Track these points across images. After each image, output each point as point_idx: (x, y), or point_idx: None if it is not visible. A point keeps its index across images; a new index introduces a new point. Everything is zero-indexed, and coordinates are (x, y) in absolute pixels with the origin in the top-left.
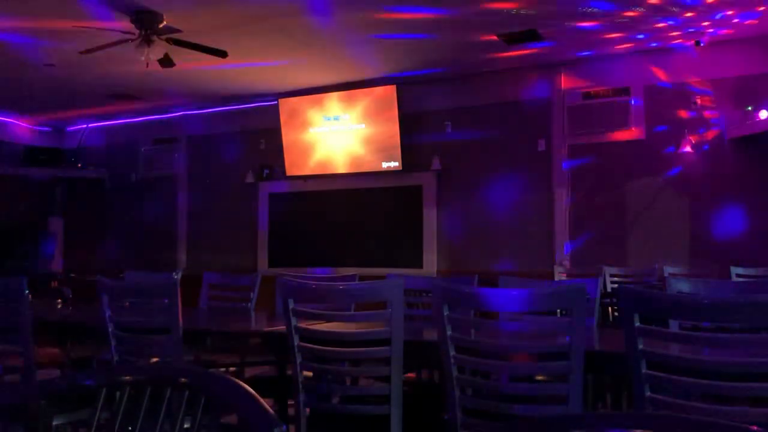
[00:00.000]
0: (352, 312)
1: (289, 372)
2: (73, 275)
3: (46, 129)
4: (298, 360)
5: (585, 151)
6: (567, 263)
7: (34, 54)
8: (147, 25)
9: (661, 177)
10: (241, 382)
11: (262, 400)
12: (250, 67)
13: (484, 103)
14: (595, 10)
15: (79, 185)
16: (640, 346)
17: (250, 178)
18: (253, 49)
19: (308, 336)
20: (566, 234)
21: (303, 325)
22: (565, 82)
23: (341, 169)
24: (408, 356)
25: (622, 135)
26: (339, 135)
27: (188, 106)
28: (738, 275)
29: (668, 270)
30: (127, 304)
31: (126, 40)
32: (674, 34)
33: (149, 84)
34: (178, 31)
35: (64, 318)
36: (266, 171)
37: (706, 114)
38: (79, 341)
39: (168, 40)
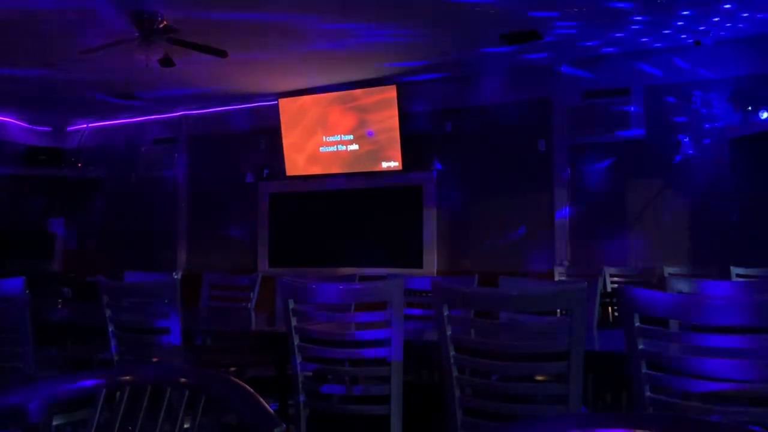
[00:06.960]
0: (352, 312)
1: (289, 372)
2: (73, 275)
3: (46, 129)
4: (298, 360)
5: (585, 151)
6: (567, 263)
7: (34, 54)
8: (147, 25)
9: (661, 177)
10: (241, 382)
11: (262, 400)
12: (250, 67)
13: (484, 103)
14: (595, 9)
15: (79, 185)
16: (640, 346)
17: (250, 178)
18: (253, 49)
19: (308, 336)
20: (566, 234)
21: (303, 325)
22: (565, 82)
23: (341, 169)
24: (408, 356)
25: (622, 135)
26: (339, 135)
27: (188, 106)
28: (738, 275)
29: (668, 270)
30: (127, 304)
31: (126, 40)
32: (674, 34)
33: (149, 84)
34: (178, 31)
35: (64, 318)
36: (266, 171)
37: (706, 114)
38: (79, 341)
39: (168, 40)
